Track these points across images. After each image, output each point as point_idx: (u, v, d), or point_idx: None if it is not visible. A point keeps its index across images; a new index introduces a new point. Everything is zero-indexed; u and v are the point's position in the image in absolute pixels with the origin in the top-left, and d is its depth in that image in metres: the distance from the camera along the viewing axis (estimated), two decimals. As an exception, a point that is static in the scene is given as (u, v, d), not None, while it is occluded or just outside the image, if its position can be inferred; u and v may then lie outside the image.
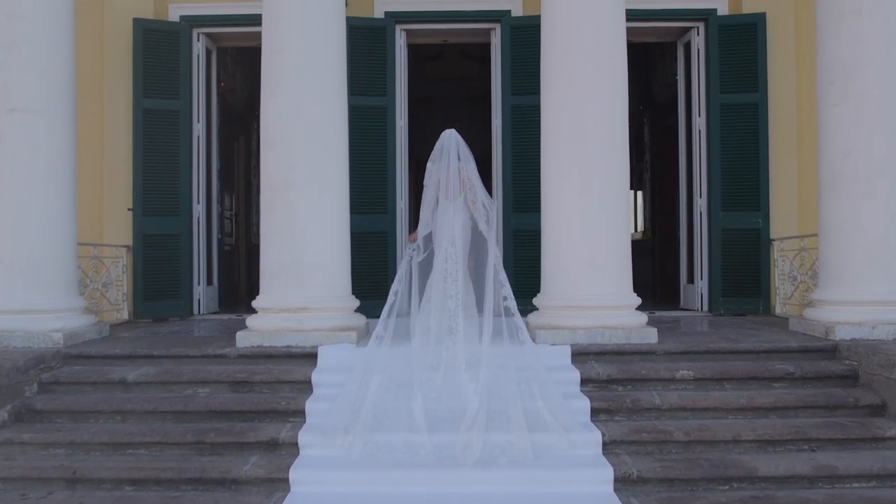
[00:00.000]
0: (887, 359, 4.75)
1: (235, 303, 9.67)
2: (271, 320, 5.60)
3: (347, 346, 5.41)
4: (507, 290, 5.13)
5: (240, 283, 11.42)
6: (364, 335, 5.92)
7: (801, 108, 7.87)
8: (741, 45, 7.88)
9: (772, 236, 7.82)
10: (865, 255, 5.51)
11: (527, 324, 5.73)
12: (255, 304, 5.75)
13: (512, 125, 7.88)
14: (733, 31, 7.91)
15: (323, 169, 5.68)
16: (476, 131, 13.05)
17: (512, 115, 7.88)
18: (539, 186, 5.92)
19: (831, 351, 5.31)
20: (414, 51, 8.99)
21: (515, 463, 4.19)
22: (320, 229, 5.67)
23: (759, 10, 7.91)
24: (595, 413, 4.69)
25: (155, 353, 5.40)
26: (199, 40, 8.18)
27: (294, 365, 5.25)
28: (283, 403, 4.79)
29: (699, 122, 8.18)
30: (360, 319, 5.93)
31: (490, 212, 5.35)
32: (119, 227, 7.85)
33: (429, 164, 5.42)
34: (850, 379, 5.03)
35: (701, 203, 8.18)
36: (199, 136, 8.20)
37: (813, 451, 4.40)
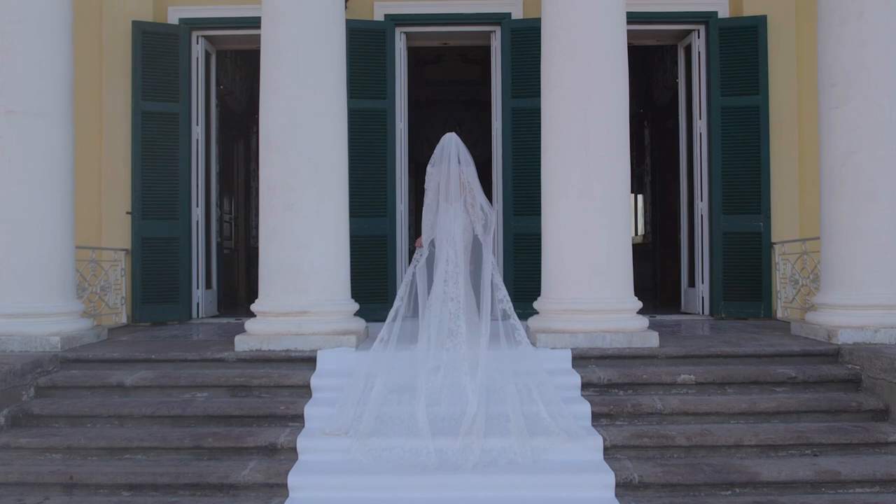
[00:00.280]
0: (890, 363, 4.72)
1: (235, 306, 9.66)
2: (270, 324, 5.57)
3: (347, 350, 5.39)
4: (503, 293, 5.15)
5: (239, 286, 11.40)
6: (364, 339, 5.89)
7: (802, 111, 7.86)
8: (742, 47, 7.86)
9: (773, 240, 7.80)
10: (868, 257, 5.50)
11: (527, 328, 5.76)
12: (253, 307, 5.73)
13: (512, 128, 7.86)
14: (734, 33, 7.89)
15: (322, 172, 5.65)
16: (476, 134, 13.12)
17: (512, 117, 7.86)
18: (539, 190, 5.90)
19: (833, 355, 5.28)
20: (414, 54, 8.99)
21: (516, 468, 4.16)
22: (319, 232, 5.64)
23: (759, 12, 7.90)
24: (596, 417, 4.66)
25: (153, 357, 5.37)
26: (198, 43, 8.16)
27: (293, 369, 5.22)
28: (281, 408, 4.76)
29: (700, 125, 8.16)
30: (360, 323, 5.90)
31: (488, 215, 5.38)
32: (118, 231, 7.83)
33: (429, 168, 5.44)
34: (853, 383, 5.00)
35: (702, 206, 8.15)
36: (198, 140, 8.17)
37: (816, 456, 4.38)
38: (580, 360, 5.22)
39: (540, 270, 5.87)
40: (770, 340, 5.77)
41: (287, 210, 5.59)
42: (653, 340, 5.45)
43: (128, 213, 7.76)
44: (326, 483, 4.12)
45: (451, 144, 5.42)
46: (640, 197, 13.51)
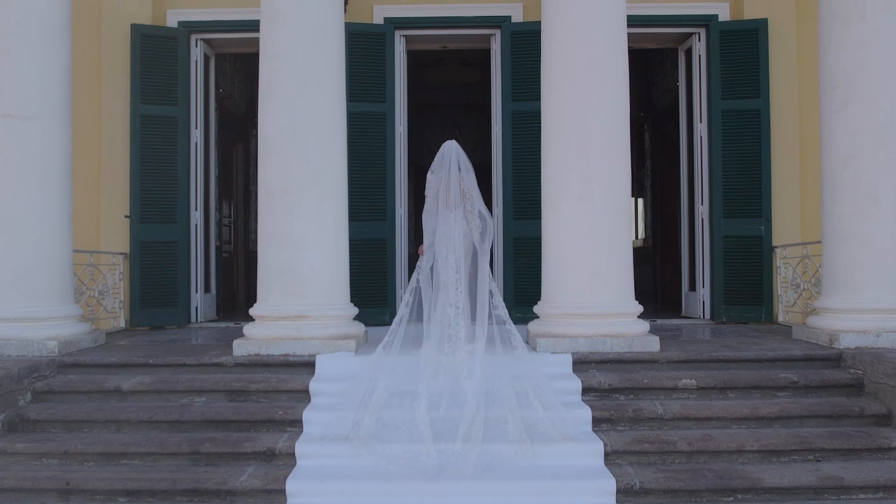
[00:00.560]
0: (893, 367, 4.68)
1: (234, 310, 9.63)
2: (269, 328, 5.54)
3: (346, 355, 5.35)
4: (499, 299, 5.19)
5: (238, 290, 11.36)
6: (363, 343, 5.86)
7: (803, 114, 7.85)
8: (743, 51, 7.84)
9: (774, 243, 7.77)
10: (870, 261, 5.47)
11: (527, 332, 5.76)
12: (252, 311, 5.70)
13: (512, 131, 7.83)
14: (735, 37, 7.87)
15: (321, 175, 5.63)
16: (476, 138, 13.10)
17: (512, 121, 7.84)
18: (539, 194, 5.87)
19: (836, 359, 5.25)
20: (413, 57, 8.97)
21: (516, 474, 4.13)
22: (319, 236, 5.61)
23: (760, 15, 7.89)
24: (597, 423, 4.63)
25: (151, 361, 5.34)
26: (197, 46, 8.14)
27: (292, 373, 5.19)
28: (280, 413, 4.73)
29: (700, 129, 8.14)
30: (359, 328, 5.86)
31: (487, 223, 5.40)
32: (116, 235, 7.80)
33: (429, 175, 5.46)
34: (856, 388, 4.96)
35: (702, 210, 8.13)
36: (197, 143, 8.15)
37: (818, 461, 4.35)
38: (581, 364, 5.19)
39: (540, 275, 5.84)
40: (771, 345, 5.74)
41: (286, 214, 5.56)
42: (654, 345, 5.42)
43: (126, 216, 7.73)
44: (325, 489, 4.08)
45: (451, 152, 5.43)
46: (640, 201, 13.49)
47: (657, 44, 8.93)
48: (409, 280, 5.45)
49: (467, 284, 5.22)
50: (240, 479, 4.14)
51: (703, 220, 8.13)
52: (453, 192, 5.35)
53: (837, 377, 5.01)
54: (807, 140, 7.80)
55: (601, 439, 4.41)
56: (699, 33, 8.14)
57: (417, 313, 5.28)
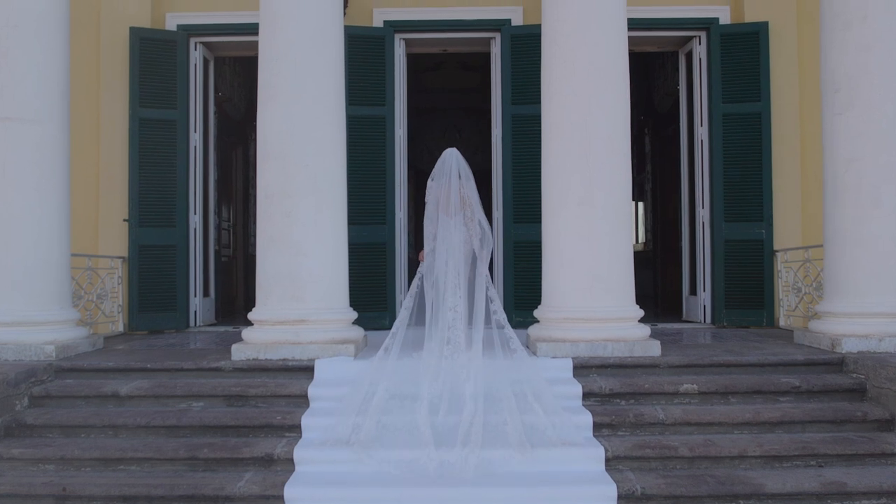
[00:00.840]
0: (895, 372, 4.65)
1: (233, 315, 9.60)
2: (267, 333, 5.51)
3: (345, 360, 5.32)
4: (497, 304, 5.23)
5: (237, 294, 11.34)
6: (363, 348, 5.83)
7: (804, 118, 7.83)
8: (743, 54, 7.83)
9: (775, 247, 7.75)
10: (872, 264, 5.44)
11: (528, 336, 5.73)
12: (251, 316, 5.67)
13: (512, 135, 7.81)
14: (735, 40, 7.86)
15: (320, 179, 5.60)
16: (476, 142, 13.10)
17: (512, 124, 7.82)
18: (539, 197, 5.84)
19: (838, 364, 5.22)
20: (413, 61, 8.95)
21: (517, 479, 4.11)
22: (318, 240, 5.58)
23: (760, 18, 7.87)
24: (597, 428, 4.60)
25: (149, 366, 5.31)
26: (196, 49, 8.12)
27: (290, 378, 5.16)
28: (278, 418, 4.70)
29: (701, 132, 8.12)
30: (359, 332, 5.83)
31: (486, 232, 5.44)
32: (114, 238, 7.77)
33: (429, 182, 5.51)
34: (858, 393, 4.93)
35: (703, 214, 8.10)
36: (196, 147, 8.12)
37: (821, 466, 4.32)
38: (581, 369, 5.16)
39: (540, 279, 5.81)
40: (773, 349, 5.71)
41: (285, 217, 5.53)
42: (654, 349, 5.39)
43: (125, 220, 7.71)
44: (324, 495, 4.05)
45: (451, 159, 5.48)
46: (640, 204, 13.46)
47: (658, 47, 8.93)
48: (408, 284, 5.45)
49: (466, 289, 5.27)
50: (238, 485, 4.11)
51: (703, 223, 8.10)
52: (453, 200, 5.39)
53: (840, 382, 4.98)
54: (808, 143, 7.77)
55: (602, 444, 4.38)
56: (700, 36, 8.13)
57: (418, 317, 5.31)
